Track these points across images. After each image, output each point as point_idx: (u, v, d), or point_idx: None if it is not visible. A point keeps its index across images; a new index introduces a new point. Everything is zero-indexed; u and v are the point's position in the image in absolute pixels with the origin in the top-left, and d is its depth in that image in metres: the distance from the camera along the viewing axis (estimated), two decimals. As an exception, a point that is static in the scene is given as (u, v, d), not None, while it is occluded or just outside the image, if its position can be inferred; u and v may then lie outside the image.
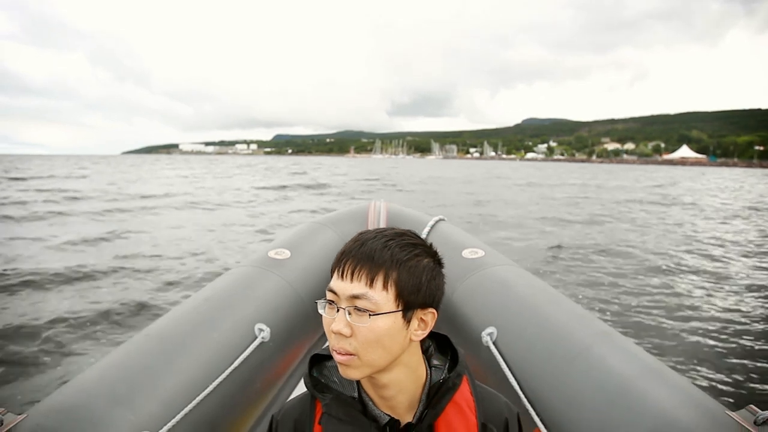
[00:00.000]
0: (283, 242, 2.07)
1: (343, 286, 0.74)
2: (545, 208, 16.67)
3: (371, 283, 0.74)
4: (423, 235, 2.16)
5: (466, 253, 1.92)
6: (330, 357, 0.85)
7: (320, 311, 0.77)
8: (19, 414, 1.06)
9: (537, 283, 1.74)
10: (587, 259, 8.19)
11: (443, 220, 2.32)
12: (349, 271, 0.74)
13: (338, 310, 0.74)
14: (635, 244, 9.76)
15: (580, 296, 6.01)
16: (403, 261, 0.75)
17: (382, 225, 2.27)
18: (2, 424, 1.00)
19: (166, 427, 1.15)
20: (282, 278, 1.81)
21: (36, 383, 3.63)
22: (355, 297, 0.73)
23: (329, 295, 0.76)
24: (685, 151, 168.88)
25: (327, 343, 0.84)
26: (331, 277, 0.78)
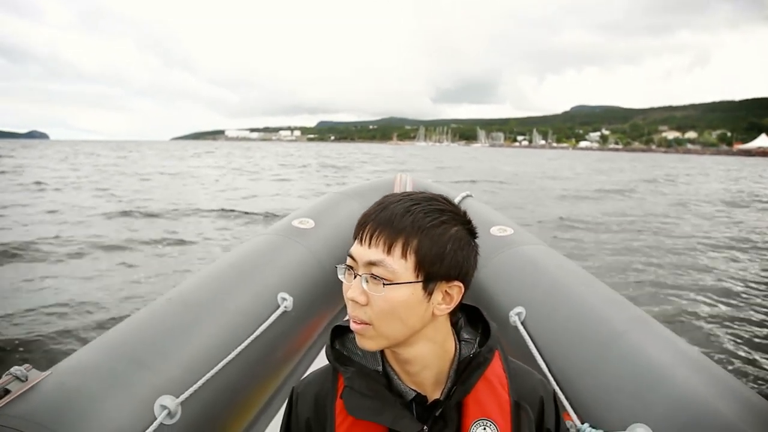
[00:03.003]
0: (306, 212, 2.05)
1: (361, 251, 0.71)
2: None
3: (389, 249, 0.69)
4: None
5: (495, 231, 1.89)
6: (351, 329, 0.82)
7: (339, 276, 0.74)
8: (44, 371, 1.08)
9: (568, 265, 1.70)
10: None
11: (470, 196, 2.28)
12: (368, 236, 0.70)
13: (355, 277, 0.71)
14: None
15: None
16: (426, 228, 0.69)
17: None
18: (27, 379, 1.02)
19: (187, 392, 1.15)
20: (305, 248, 1.80)
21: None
22: (372, 264, 0.69)
23: (349, 261, 0.73)
24: (763, 140, 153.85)
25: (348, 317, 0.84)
26: (354, 242, 0.74)
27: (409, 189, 2.30)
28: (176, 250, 7.46)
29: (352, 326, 0.72)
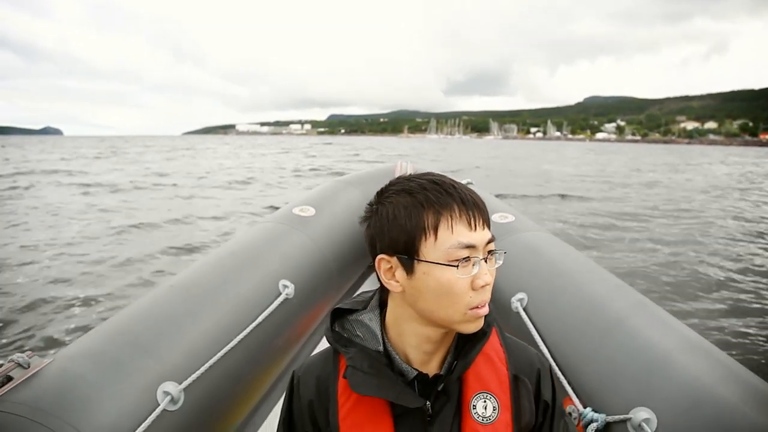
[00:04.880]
0: (307, 199, 2.06)
1: (482, 235, 0.71)
2: None
3: (488, 225, 0.74)
4: None
5: (496, 218, 1.89)
6: (351, 311, 0.82)
7: (458, 275, 0.70)
8: (46, 358, 1.08)
9: (569, 251, 1.69)
10: None
11: (471, 183, 2.27)
12: (478, 219, 0.72)
13: (474, 264, 0.70)
14: None
15: None
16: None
17: None
18: (29, 366, 1.03)
19: (189, 379, 1.16)
20: (306, 235, 1.80)
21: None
22: (490, 241, 0.73)
23: (464, 252, 0.70)
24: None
25: (353, 298, 0.84)
26: (434, 234, 0.70)
27: None
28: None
29: (482, 312, 0.72)
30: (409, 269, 0.72)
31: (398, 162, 2.41)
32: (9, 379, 0.99)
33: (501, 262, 0.74)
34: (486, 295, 0.72)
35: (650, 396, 1.08)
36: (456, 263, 0.69)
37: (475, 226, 0.71)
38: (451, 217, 0.70)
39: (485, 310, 0.72)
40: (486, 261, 0.71)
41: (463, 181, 2.24)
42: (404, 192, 0.72)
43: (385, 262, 0.74)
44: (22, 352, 1.05)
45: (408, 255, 0.71)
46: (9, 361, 1.02)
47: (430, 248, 0.70)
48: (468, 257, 0.70)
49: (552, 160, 35.66)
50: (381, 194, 0.77)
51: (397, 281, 0.73)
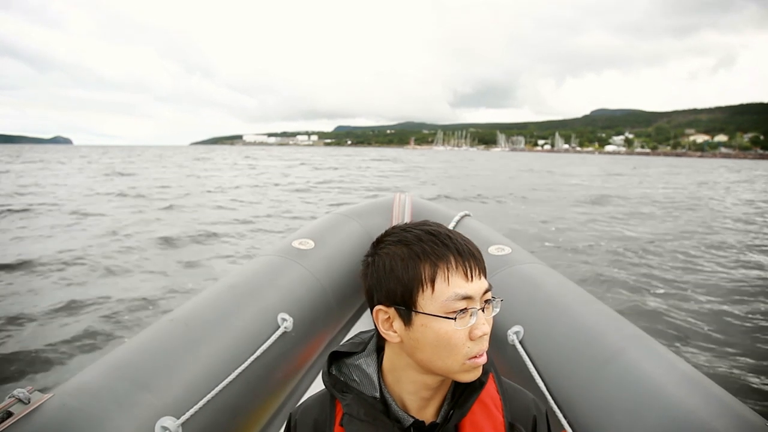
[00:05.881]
0: (306, 232, 2.07)
1: (479, 285, 0.72)
2: None
3: (485, 273, 0.74)
4: None
5: (493, 250, 1.89)
6: (349, 354, 0.82)
7: (456, 327, 0.70)
8: (46, 393, 1.09)
9: (566, 283, 1.69)
10: None
11: (468, 215, 2.27)
12: (475, 269, 0.72)
13: (472, 315, 0.71)
14: None
15: None
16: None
17: (407, 218, 2.25)
18: (29, 402, 1.04)
19: (188, 413, 1.16)
20: (305, 269, 1.81)
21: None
22: (487, 290, 0.73)
23: (463, 303, 0.70)
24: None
25: (347, 337, 0.85)
26: (431, 286, 0.71)
27: (408, 209, 2.30)
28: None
29: (480, 362, 0.72)
30: (407, 320, 0.72)
31: (396, 194, 2.40)
32: (9, 414, 1.00)
33: (498, 310, 0.74)
34: (484, 345, 0.72)
35: (645, 429, 1.08)
36: (453, 315, 0.69)
37: (472, 276, 0.71)
38: (447, 268, 0.70)
39: (483, 360, 0.72)
40: (483, 310, 0.72)
41: (460, 214, 2.23)
42: (400, 243, 0.73)
43: (382, 313, 0.75)
44: (23, 388, 1.06)
45: (405, 306, 0.72)
46: (9, 397, 1.03)
47: (427, 300, 0.70)
48: (465, 308, 0.70)
49: (590, 177, 28.97)
50: (377, 244, 0.77)
51: (395, 332, 0.74)
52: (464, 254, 0.71)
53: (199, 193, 16.29)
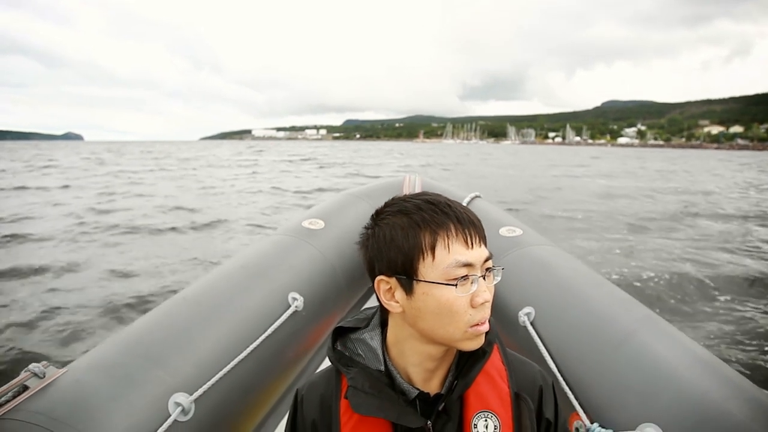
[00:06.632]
0: (316, 212, 2.07)
1: (479, 252, 0.72)
2: None
3: (485, 242, 0.74)
4: None
5: (504, 231, 1.89)
6: (353, 329, 0.83)
7: (458, 294, 0.70)
8: (60, 368, 1.10)
9: (577, 265, 1.68)
10: None
11: (479, 196, 2.27)
12: (475, 237, 0.72)
13: (473, 282, 0.71)
14: None
15: None
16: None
17: None
18: (44, 376, 1.05)
19: (200, 390, 1.17)
20: (315, 248, 1.81)
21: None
22: (488, 259, 0.73)
23: (463, 271, 0.71)
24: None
25: (355, 315, 0.85)
26: (431, 254, 0.71)
27: (418, 189, 2.28)
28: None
29: (484, 328, 0.73)
30: (408, 290, 0.72)
31: (407, 175, 2.40)
32: (25, 388, 1.01)
33: (499, 279, 0.75)
34: (486, 312, 0.72)
35: (657, 412, 1.08)
36: (454, 282, 0.70)
37: (472, 244, 0.71)
38: (447, 236, 0.70)
39: (485, 327, 0.72)
40: (484, 278, 0.72)
41: (471, 195, 2.23)
42: (400, 213, 0.73)
43: (384, 284, 0.75)
44: (38, 362, 1.07)
45: (406, 275, 0.72)
46: (25, 371, 1.05)
47: (428, 268, 0.71)
48: (466, 275, 0.70)
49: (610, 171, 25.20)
50: (377, 216, 0.77)
51: (397, 302, 0.74)
52: (464, 222, 0.72)
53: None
